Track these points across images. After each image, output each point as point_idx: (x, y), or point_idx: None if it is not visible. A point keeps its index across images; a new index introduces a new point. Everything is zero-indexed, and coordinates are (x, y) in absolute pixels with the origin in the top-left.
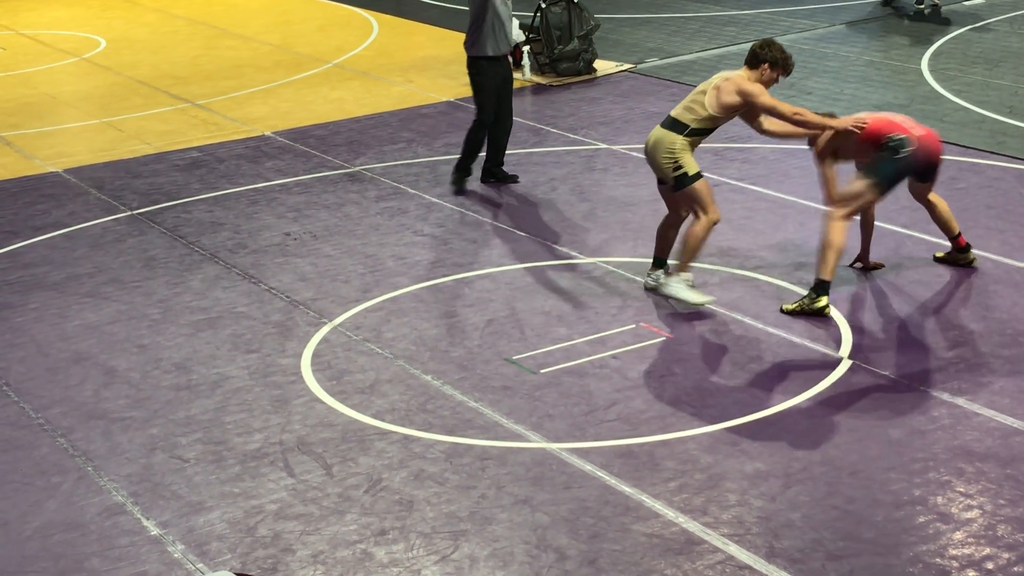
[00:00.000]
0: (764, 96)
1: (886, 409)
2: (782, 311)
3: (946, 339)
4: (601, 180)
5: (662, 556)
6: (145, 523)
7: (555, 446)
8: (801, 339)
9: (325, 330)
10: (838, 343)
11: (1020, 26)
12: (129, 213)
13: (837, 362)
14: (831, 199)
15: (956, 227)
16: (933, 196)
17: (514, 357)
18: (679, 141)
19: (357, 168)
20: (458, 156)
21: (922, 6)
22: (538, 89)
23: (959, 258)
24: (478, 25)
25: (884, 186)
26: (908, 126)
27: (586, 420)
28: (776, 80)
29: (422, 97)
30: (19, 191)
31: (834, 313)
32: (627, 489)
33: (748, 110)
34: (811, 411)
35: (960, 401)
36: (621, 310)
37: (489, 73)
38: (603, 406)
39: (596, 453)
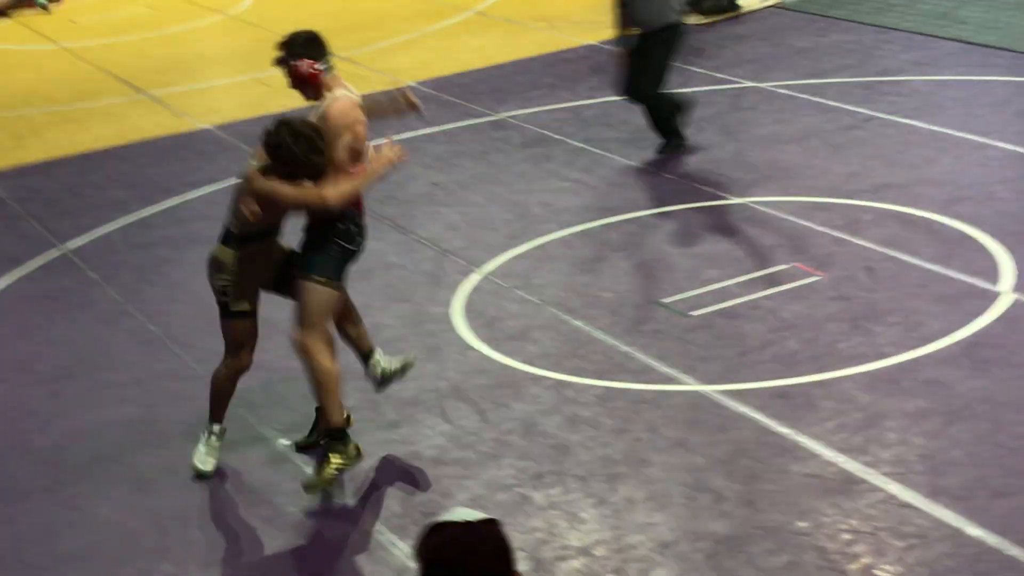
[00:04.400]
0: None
1: None
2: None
3: None
4: (749, 119)
5: (821, 496)
6: (306, 470)
7: (709, 388)
8: (959, 274)
9: (475, 278)
10: (997, 277)
11: None
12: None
13: (996, 296)
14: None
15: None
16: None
17: (665, 300)
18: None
19: (501, 115)
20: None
21: None
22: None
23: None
24: None
25: (339, 280)
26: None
27: (740, 362)
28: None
29: (564, 42)
30: (172, 148)
31: (992, 247)
32: (784, 430)
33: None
34: (971, 347)
35: None
36: (773, 250)
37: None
38: (757, 347)
39: (751, 395)
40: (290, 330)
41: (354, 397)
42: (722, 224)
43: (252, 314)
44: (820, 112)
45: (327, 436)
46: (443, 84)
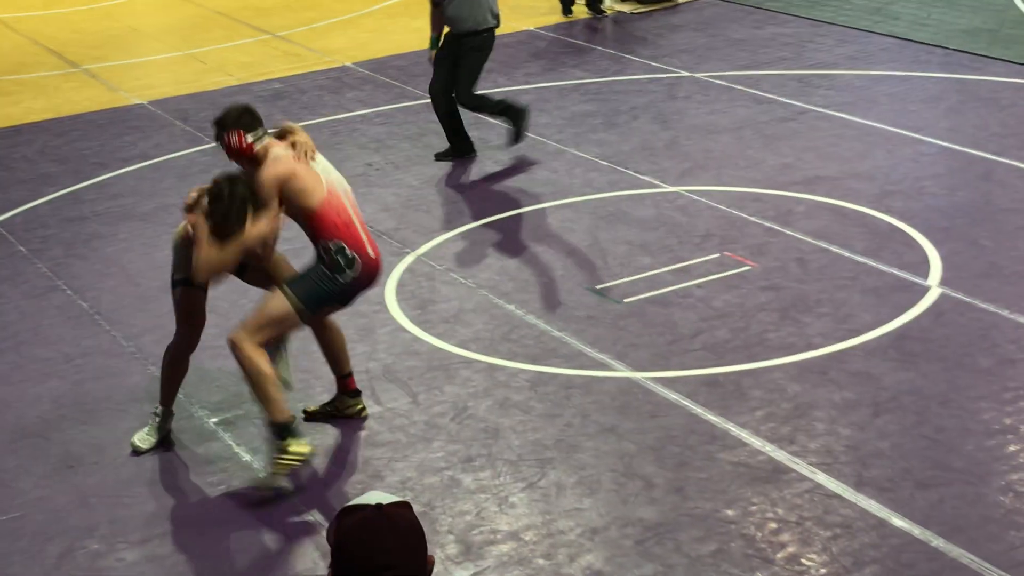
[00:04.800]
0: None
1: (976, 338)
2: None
3: None
4: (683, 108)
5: (749, 484)
6: (236, 449)
7: (640, 375)
8: (889, 267)
9: (409, 260)
10: (926, 272)
11: None
12: (214, 144)
13: (925, 290)
14: (247, 324)
15: (347, 365)
16: (332, 321)
17: (597, 286)
18: None
19: None
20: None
21: None
22: (620, 17)
23: (345, 405)
24: None
25: (312, 312)
26: (362, 234)
27: (671, 349)
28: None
29: (503, 27)
30: (106, 123)
31: (922, 241)
32: (713, 418)
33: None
34: (899, 340)
35: None
36: (705, 239)
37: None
38: (688, 335)
39: (681, 382)
40: (231, 329)
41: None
42: (655, 212)
43: (203, 285)
44: (754, 103)
45: (273, 433)
46: (380, 65)
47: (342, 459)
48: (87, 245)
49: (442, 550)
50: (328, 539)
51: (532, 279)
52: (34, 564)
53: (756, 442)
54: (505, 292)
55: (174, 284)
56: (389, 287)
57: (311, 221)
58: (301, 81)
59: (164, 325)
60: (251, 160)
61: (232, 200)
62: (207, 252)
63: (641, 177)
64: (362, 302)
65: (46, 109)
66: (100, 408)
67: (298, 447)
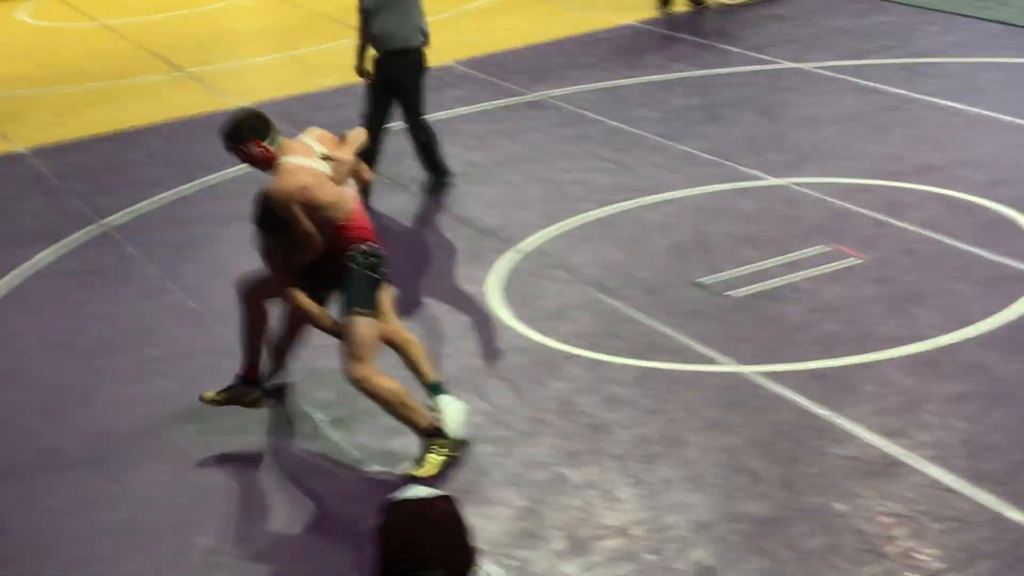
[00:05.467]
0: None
1: None
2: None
3: None
4: (788, 100)
5: (860, 479)
6: (344, 447)
7: (747, 369)
8: (1000, 256)
9: (512, 256)
10: None
11: None
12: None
13: None
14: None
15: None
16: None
17: (702, 280)
18: None
19: (538, 95)
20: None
21: None
22: (721, 9)
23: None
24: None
25: (372, 308)
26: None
27: (778, 343)
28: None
29: (601, 21)
30: (210, 126)
31: None
32: (823, 412)
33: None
34: (1012, 331)
35: None
36: (812, 232)
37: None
38: (796, 329)
39: (790, 376)
40: (341, 367)
41: (390, 373)
42: (761, 205)
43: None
44: (861, 93)
45: (424, 439)
46: (480, 63)
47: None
48: (195, 247)
49: (549, 545)
50: (376, 534)
51: (636, 274)
52: (149, 560)
53: (867, 436)
54: (609, 287)
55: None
56: (492, 284)
57: (339, 233)
58: None
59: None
60: (270, 165)
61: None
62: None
63: (746, 170)
64: (465, 299)
65: (152, 113)
66: (211, 407)
67: (450, 445)
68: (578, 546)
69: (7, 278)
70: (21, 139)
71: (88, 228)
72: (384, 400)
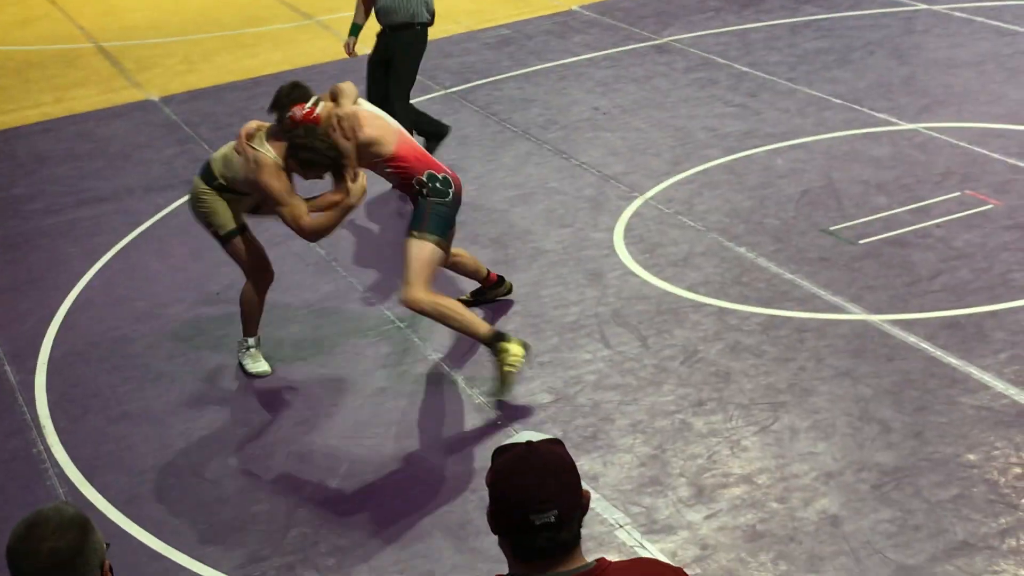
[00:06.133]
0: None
1: None
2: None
3: None
4: (921, 43)
5: (992, 429)
6: (469, 392)
7: (876, 318)
8: None
9: (637, 203)
10: None
11: None
12: (443, 92)
13: None
14: (407, 281)
15: (484, 269)
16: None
17: (831, 228)
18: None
19: (665, 39)
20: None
21: None
22: None
23: (497, 294)
24: None
25: (444, 238)
26: (429, 158)
27: (909, 291)
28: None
29: None
30: (338, 73)
31: None
32: (954, 361)
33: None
34: None
35: None
36: (945, 177)
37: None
38: (927, 277)
39: (920, 325)
40: (401, 291)
41: (515, 320)
42: (892, 150)
43: (243, 229)
44: (996, 35)
45: (489, 346)
46: (607, 8)
47: (572, 401)
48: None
49: (674, 492)
50: (487, 479)
51: (763, 221)
52: (281, 503)
53: (999, 385)
54: (735, 235)
55: (220, 241)
56: (618, 231)
57: (393, 163)
58: (527, 26)
59: (398, 272)
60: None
61: (311, 139)
62: (298, 203)
63: (877, 115)
64: (591, 246)
65: (282, 61)
66: (338, 350)
67: (516, 347)
68: (703, 494)
69: (142, 225)
70: (153, 87)
71: None
72: (443, 315)
